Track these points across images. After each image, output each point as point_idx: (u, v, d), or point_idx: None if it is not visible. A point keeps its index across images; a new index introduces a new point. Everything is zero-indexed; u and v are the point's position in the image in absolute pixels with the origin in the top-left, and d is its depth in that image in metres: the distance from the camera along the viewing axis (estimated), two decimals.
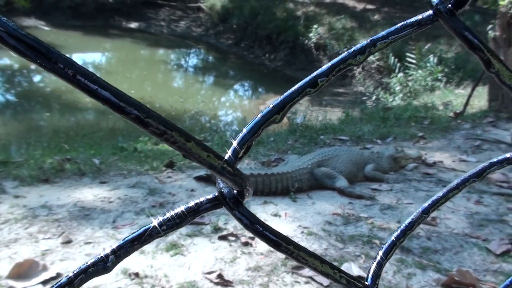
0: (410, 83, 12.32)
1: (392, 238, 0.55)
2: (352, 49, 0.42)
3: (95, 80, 0.30)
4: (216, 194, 0.39)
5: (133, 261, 3.27)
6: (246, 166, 5.38)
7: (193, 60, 20.10)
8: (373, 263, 0.53)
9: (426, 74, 12.25)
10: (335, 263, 3.20)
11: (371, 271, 0.53)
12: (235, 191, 0.38)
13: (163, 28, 21.82)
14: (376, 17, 19.92)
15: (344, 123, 8.12)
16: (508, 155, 0.55)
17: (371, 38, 0.42)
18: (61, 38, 18.08)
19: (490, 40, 7.79)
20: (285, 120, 9.69)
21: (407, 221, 0.56)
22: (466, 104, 8.46)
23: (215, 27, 21.12)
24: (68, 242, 3.50)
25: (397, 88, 12.28)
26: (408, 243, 3.88)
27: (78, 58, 17.49)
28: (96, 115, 11.31)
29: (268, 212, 4.27)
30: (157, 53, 19.60)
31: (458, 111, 8.45)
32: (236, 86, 16.90)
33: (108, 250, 0.36)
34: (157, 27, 21.83)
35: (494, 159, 0.56)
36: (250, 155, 5.92)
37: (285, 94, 0.41)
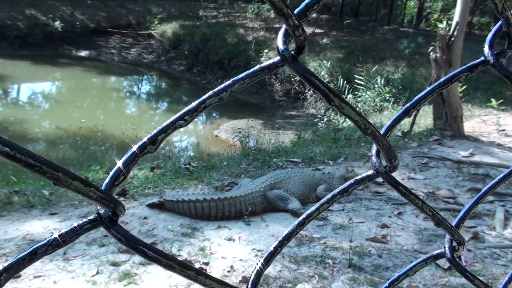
0: (359, 104, 12.64)
1: (271, 248, 0.61)
2: (216, 89, 0.49)
3: None
4: (95, 216, 0.44)
5: None
6: (199, 191, 5.40)
7: (145, 87, 20.05)
8: (253, 272, 0.59)
9: (374, 95, 12.59)
10: (289, 285, 3.23)
11: (251, 278, 0.59)
12: (110, 212, 0.44)
13: (114, 56, 21.70)
14: (325, 40, 20.42)
15: (297, 145, 8.24)
16: (369, 172, 0.63)
17: (232, 79, 0.49)
18: (8, 68, 17.71)
19: (432, 61, 8.13)
20: (238, 144, 9.73)
21: (284, 233, 0.63)
22: (413, 123, 8.75)
23: (167, 53, 21.19)
24: (16, 277, 3.42)
25: None
26: (360, 261, 3.98)
27: (27, 88, 17.18)
28: (46, 146, 11.08)
29: (222, 237, 4.29)
30: (109, 81, 19.45)
31: (405, 131, 8.72)
32: None
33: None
34: (108, 55, 21.69)
35: (359, 177, 0.64)
36: (204, 180, 5.93)
37: (158, 128, 0.47)
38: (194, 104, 0.48)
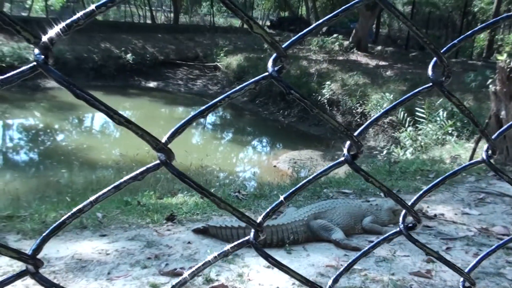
0: (420, 137, 12.50)
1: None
2: (217, 99, 0.70)
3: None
4: (158, 162, 0.67)
5: None
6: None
7: (210, 118, 20.62)
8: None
9: (436, 128, 12.41)
10: None
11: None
12: (167, 161, 0.66)
13: (180, 87, 22.53)
14: (389, 73, 20.34)
15: (350, 177, 8.14)
16: (341, 159, 0.80)
17: (233, 90, 0.70)
18: None
19: (491, 94, 8.01)
20: (295, 174, 9.80)
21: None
22: (471, 157, 8.56)
23: (231, 84, 21.78)
24: None
25: (407, 142, 12.46)
26: None
27: (100, 117, 18.16)
28: (114, 172, 11.57)
29: (261, 264, 4.27)
30: (176, 111, 20.15)
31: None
32: (252, 143, 17.24)
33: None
34: (175, 86, 22.55)
35: (332, 163, 0.81)
36: (251, 208, 6.00)
37: (195, 112, 0.69)
38: (214, 101, 0.69)
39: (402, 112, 13.85)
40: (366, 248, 0.94)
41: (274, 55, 0.68)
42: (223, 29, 30.69)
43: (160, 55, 23.63)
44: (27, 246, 4.35)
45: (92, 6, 0.58)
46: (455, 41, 0.86)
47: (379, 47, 26.75)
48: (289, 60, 0.68)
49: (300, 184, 0.81)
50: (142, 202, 5.91)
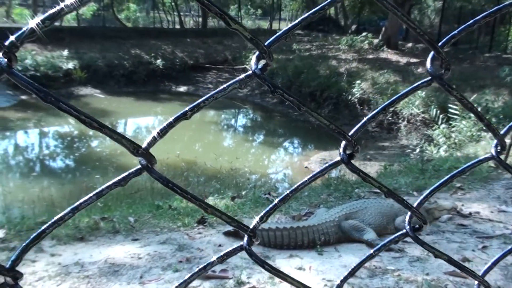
0: (453, 134, 12.23)
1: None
2: (204, 97, 0.67)
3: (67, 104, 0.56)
4: (139, 167, 0.64)
5: None
6: (276, 220, 5.43)
7: (241, 120, 20.67)
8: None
9: (470, 125, 12.13)
10: None
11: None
12: (148, 165, 0.64)
13: (210, 90, 22.01)
14: (420, 70, 20.01)
15: (382, 176, 8.03)
16: (338, 159, 0.77)
17: (216, 90, 0.67)
18: (113, 104, 19.09)
19: None
20: (325, 175, 9.70)
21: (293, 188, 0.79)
22: (507, 153, 8.32)
23: (260, 87, 21.77)
24: None
25: (441, 140, 12.21)
26: None
27: (133, 122, 18.44)
28: (146, 176, 11.69)
29: (293, 266, 4.26)
30: (206, 115, 20.27)
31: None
32: (283, 144, 17.18)
33: None
34: (205, 90, 22.68)
35: (332, 161, 0.78)
36: (282, 209, 5.92)
37: (178, 113, 0.67)
38: (192, 105, 0.67)
39: (435, 109, 13.60)
40: (371, 251, 0.91)
41: (257, 52, 0.66)
42: (251, 31, 30.50)
43: (189, 60, 23.83)
44: (61, 251, 4.48)
45: (58, 7, 0.56)
46: (454, 32, 0.82)
47: (409, 44, 26.36)
48: (272, 57, 0.66)
49: (295, 186, 0.79)
50: (173, 206, 5.96)
